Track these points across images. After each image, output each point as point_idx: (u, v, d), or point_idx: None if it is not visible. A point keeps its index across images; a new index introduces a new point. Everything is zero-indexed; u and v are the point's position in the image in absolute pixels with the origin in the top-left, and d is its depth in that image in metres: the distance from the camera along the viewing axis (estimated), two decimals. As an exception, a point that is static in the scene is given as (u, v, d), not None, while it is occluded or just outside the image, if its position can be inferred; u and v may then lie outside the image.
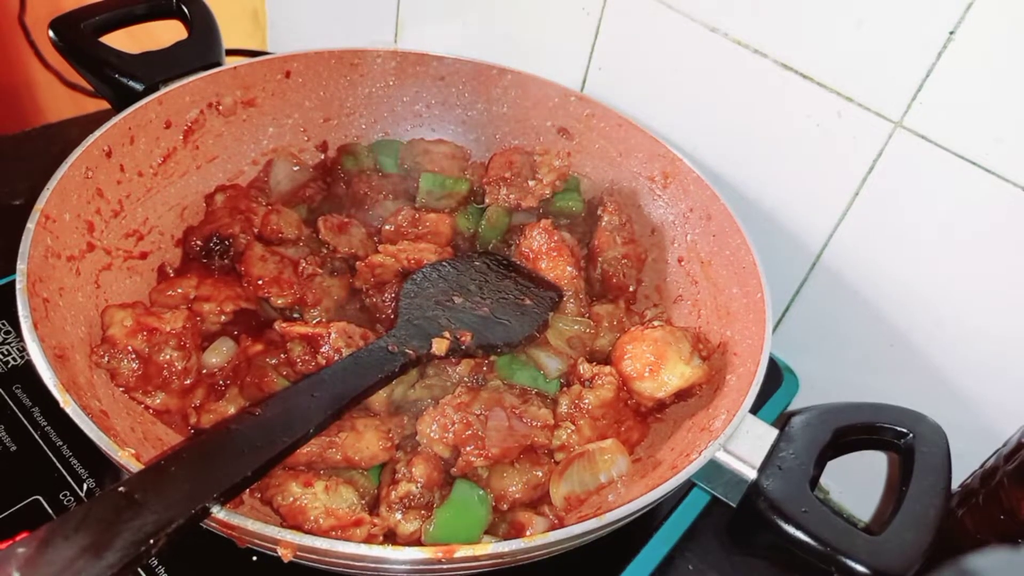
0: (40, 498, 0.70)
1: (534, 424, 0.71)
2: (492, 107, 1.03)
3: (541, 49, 1.05)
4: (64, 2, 0.99)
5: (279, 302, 0.80)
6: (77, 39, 0.90)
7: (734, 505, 0.66)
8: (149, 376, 0.71)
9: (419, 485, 0.66)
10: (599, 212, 0.92)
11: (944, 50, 0.72)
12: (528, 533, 0.66)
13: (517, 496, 0.69)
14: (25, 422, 0.76)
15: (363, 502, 0.65)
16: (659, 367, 0.74)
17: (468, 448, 0.67)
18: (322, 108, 1.00)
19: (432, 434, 0.68)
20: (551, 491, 0.69)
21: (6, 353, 0.81)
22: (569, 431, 0.72)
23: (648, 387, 0.75)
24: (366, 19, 1.24)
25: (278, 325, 0.75)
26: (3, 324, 0.84)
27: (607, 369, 0.76)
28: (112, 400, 0.69)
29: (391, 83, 1.02)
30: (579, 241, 0.92)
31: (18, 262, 0.65)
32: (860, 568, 0.58)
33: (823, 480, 0.78)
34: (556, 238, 0.86)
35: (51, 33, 0.90)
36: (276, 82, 0.95)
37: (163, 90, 0.84)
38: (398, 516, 0.65)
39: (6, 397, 0.77)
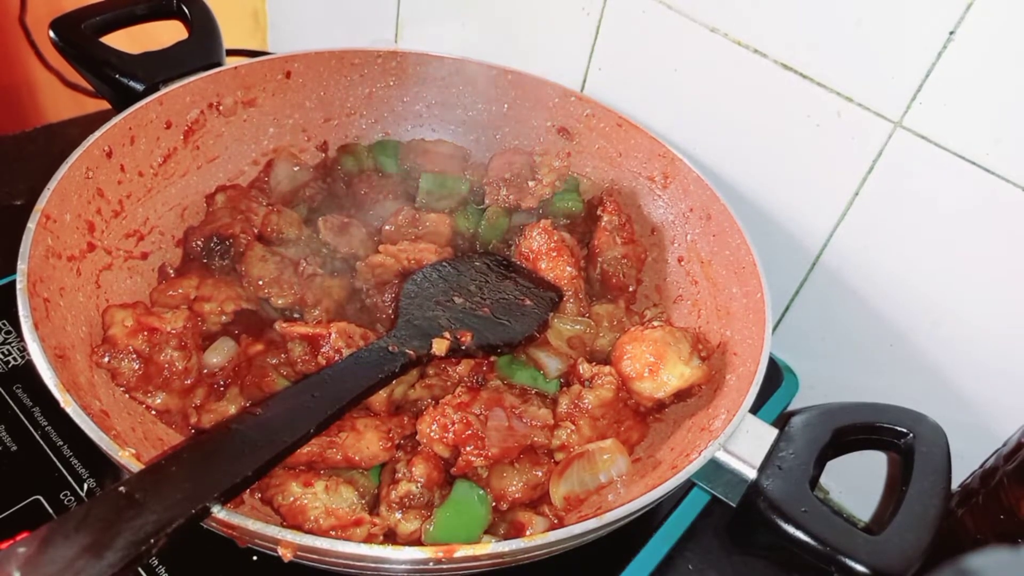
0: (40, 498, 0.70)
1: (534, 424, 0.71)
2: (492, 107, 1.03)
3: (541, 49, 1.05)
4: (64, 2, 0.99)
5: (279, 302, 0.80)
6: (77, 39, 0.90)
7: (734, 505, 0.66)
8: (150, 376, 0.71)
9: (419, 485, 0.66)
10: (599, 212, 0.92)
11: (944, 50, 0.72)
12: (528, 533, 0.66)
13: (517, 496, 0.69)
14: (26, 422, 0.76)
15: (363, 502, 0.65)
16: (658, 367, 0.75)
17: (468, 448, 0.67)
18: (322, 108, 1.00)
19: (432, 434, 0.68)
20: (551, 491, 0.69)
21: (7, 353, 0.81)
22: (569, 431, 0.72)
23: (647, 387, 0.75)
24: (366, 19, 1.24)
25: (278, 325, 0.75)
26: (3, 324, 0.84)
27: (607, 369, 0.76)
28: (112, 400, 0.69)
29: (391, 83, 1.02)
30: (579, 241, 0.92)
31: (18, 262, 0.65)
32: (860, 568, 0.58)
33: (823, 480, 0.78)
34: (556, 238, 0.86)
35: (51, 33, 0.90)
36: (276, 82, 0.95)
37: (163, 90, 0.85)
38: (398, 516, 0.65)
39: (7, 397, 0.78)
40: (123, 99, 0.85)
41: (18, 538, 0.44)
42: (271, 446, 0.56)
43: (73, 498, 0.71)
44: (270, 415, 0.59)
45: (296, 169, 0.96)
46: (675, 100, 0.95)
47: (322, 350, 0.72)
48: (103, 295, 0.76)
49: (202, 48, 0.94)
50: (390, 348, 0.69)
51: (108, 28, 0.93)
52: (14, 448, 0.74)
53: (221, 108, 0.91)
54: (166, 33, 0.95)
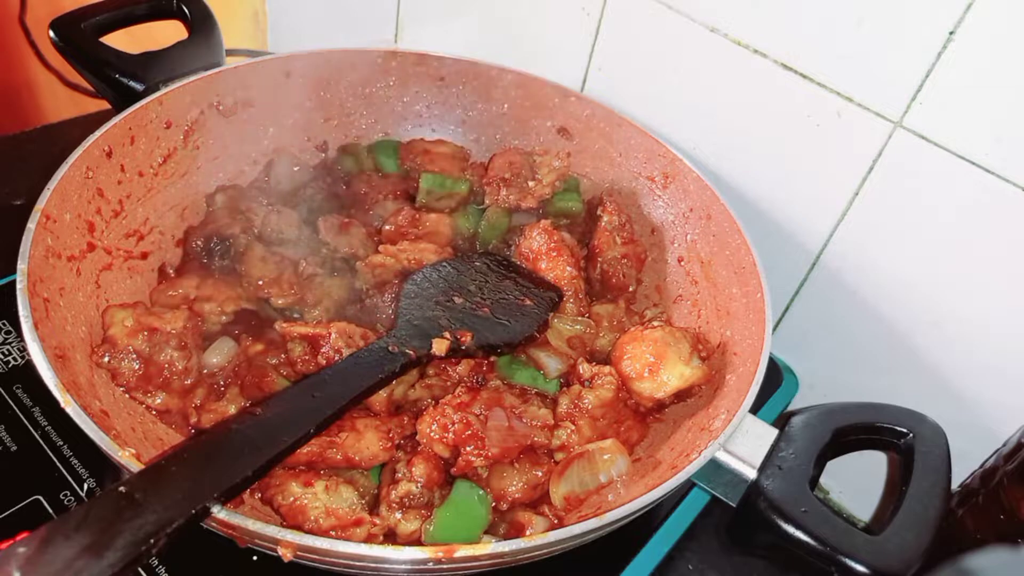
0: (40, 498, 0.70)
1: (534, 424, 0.71)
2: (492, 107, 1.03)
3: (541, 49, 1.05)
4: (64, 2, 0.99)
5: (279, 302, 0.80)
6: (77, 39, 0.90)
7: (734, 505, 0.66)
8: (150, 376, 0.71)
9: (419, 485, 0.66)
10: (599, 212, 0.92)
11: (944, 50, 0.72)
12: (528, 533, 0.66)
13: (517, 496, 0.69)
14: (26, 422, 0.76)
15: (363, 502, 0.65)
16: (658, 367, 0.75)
17: (468, 448, 0.67)
18: (322, 108, 1.00)
19: (432, 434, 0.68)
20: (551, 491, 0.69)
21: (7, 353, 0.81)
22: (569, 431, 0.72)
23: (647, 387, 0.75)
24: (366, 19, 1.24)
25: (278, 325, 0.75)
26: (3, 324, 0.84)
27: (607, 369, 0.76)
28: (112, 400, 0.69)
29: (391, 83, 1.02)
30: (579, 241, 0.92)
31: (18, 262, 0.65)
32: (860, 568, 0.58)
33: (823, 480, 0.78)
34: (556, 238, 0.86)
35: (51, 33, 0.90)
36: (276, 82, 0.95)
37: (164, 90, 0.85)
38: (398, 516, 0.65)
39: (6, 397, 0.78)
40: (123, 99, 0.85)
41: (18, 538, 0.44)
42: (271, 446, 0.56)
43: (73, 498, 0.71)
44: (270, 415, 0.59)
45: (296, 169, 0.96)
46: (675, 100, 0.95)
47: (322, 350, 0.72)
48: (103, 295, 0.76)
49: (202, 48, 0.94)
50: (390, 348, 0.69)
51: (108, 28, 0.93)
52: (14, 448, 0.74)
53: (221, 108, 0.91)
54: (166, 33, 0.95)
